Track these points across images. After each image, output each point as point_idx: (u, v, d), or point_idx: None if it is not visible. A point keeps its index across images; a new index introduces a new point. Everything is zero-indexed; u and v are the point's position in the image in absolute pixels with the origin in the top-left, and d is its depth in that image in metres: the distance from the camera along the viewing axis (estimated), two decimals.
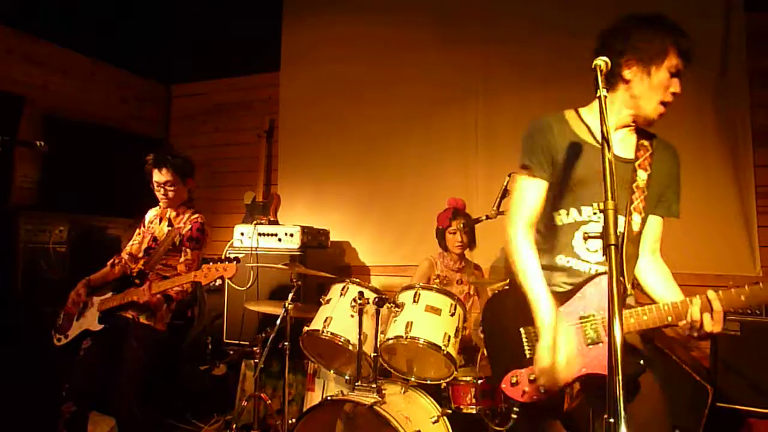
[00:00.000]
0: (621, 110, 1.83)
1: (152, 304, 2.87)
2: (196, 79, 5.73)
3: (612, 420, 1.11)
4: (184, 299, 3.07)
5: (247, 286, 4.22)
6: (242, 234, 4.35)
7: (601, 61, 1.44)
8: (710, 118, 3.70)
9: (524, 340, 1.82)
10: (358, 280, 2.89)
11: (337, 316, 2.75)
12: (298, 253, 4.11)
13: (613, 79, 1.79)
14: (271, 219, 4.65)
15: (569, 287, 1.81)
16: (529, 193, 1.85)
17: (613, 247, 1.18)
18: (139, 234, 3.23)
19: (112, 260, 3.20)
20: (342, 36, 4.91)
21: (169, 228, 3.10)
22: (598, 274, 1.77)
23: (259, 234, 4.28)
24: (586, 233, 1.68)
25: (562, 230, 1.85)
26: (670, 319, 1.65)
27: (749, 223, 3.63)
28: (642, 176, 1.84)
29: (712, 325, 1.58)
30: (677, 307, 1.64)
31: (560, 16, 4.07)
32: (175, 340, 4.45)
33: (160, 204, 3.16)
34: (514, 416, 1.81)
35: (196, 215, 3.13)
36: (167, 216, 3.15)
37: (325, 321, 2.75)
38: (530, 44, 4.14)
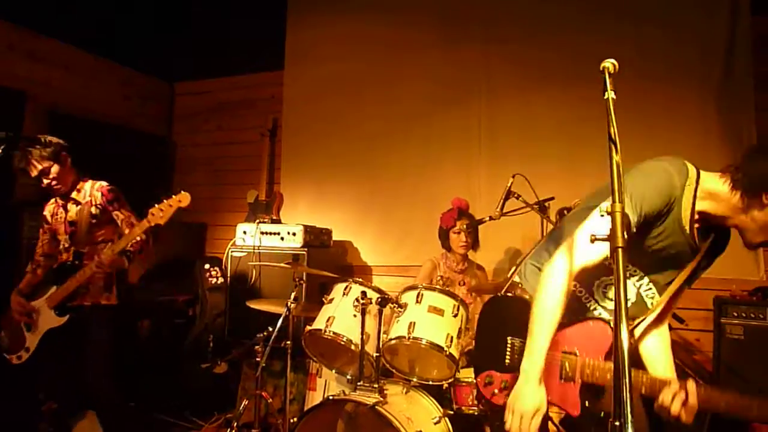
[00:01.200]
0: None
1: (113, 265, 2.88)
2: (200, 77, 5.73)
3: (618, 423, 1.11)
4: (144, 250, 3.00)
5: (250, 284, 4.22)
6: (245, 232, 4.35)
7: (609, 63, 1.43)
8: (714, 122, 3.69)
9: (508, 349, 1.87)
10: (360, 279, 2.88)
11: (340, 315, 2.74)
12: (301, 252, 4.10)
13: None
14: (274, 218, 4.65)
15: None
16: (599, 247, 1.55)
17: (620, 249, 1.18)
18: (45, 232, 3.19)
19: (30, 268, 3.17)
20: (345, 35, 4.91)
21: (79, 206, 3.06)
22: (593, 318, 1.81)
23: (262, 233, 4.28)
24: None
25: (595, 269, 1.69)
26: (643, 390, 1.63)
27: None
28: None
29: (682, 414, 1.56)
30: (654, 383, 1.63)
31: (561, 15, 4.06)
32: (171, 337, 4.47)
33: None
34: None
35: (98, 183, 3.09)
36: (71, 198, 3.09)
37: (327, 320, 2.74)
38: (531, 44, 4.14)
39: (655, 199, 1.58)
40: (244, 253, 4.30)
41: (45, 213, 3.19)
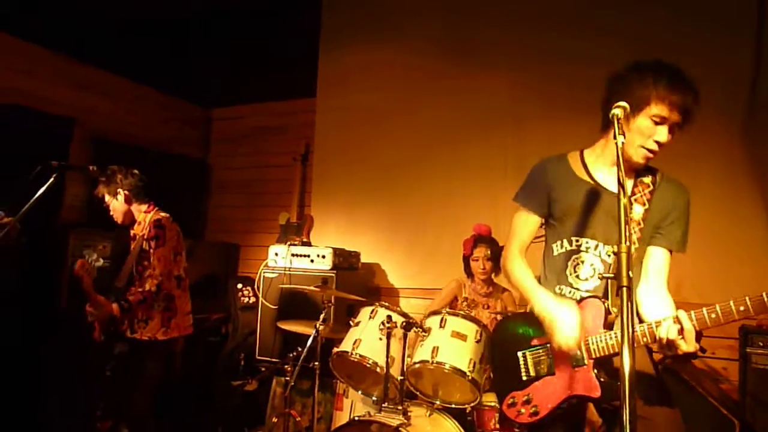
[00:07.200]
0: (612, 150, 1.85)
1: (100, 312, 2.92)
2: (236, 103, 5.95)
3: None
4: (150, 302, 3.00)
5: (281, 304, 4.33)
6: (276, 254, 4.47)
7: (618, 110, 1.52)
8: (739, 155, 3.66)
9: (521, 363, 1.94)
10: (387, 303, 2.97)
11: (366, 338, 2.83)
12: (330, 274, 4.19)
13: (607, 121, 1.89)
14: (304, 240, 4.76)
15: None
16: (522, 226, 2.13)
17: (625, 288, 1.26)
18: None
19: None
20: (375, 64, 5.02)
21: (136, 239, 3.15)
22: (584, 298, 1.87)
23: (293, 255, 4.40)
24: (600, 274, 1.77)
25: (558, 260, 2.00)
26: (645, 339, 1.69)
27: None
28: (637, 210, 1.90)
29: (682, 343, 1.59)
30: (651, 327, 1.67)
31: (586, 49, 4.08)
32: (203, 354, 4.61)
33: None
34: None
35: (151, 215, 3.16)
36: (134, 232, 3.22)
37: (354, 343, 2.83)
38: (557, 77, 4.18)
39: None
40: (276, 274, 4.42)
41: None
